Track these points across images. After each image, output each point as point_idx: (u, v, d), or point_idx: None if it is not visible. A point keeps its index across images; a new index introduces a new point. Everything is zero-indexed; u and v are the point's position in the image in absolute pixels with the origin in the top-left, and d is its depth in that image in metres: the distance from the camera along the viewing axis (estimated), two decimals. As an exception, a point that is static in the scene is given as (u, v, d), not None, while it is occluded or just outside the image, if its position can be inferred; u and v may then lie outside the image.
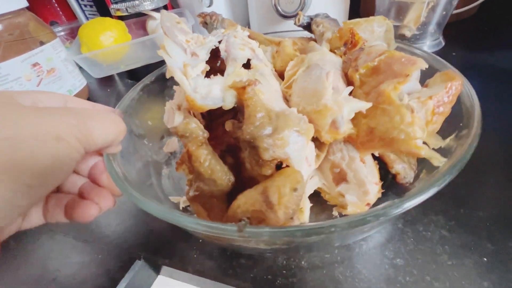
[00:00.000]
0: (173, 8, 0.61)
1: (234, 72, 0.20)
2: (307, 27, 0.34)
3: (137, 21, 0.58)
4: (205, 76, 0.21)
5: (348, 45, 0.28)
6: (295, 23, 0.35)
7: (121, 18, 0.54)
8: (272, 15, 0.51)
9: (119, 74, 0.58)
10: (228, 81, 0.20)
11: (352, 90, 0.22)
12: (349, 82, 0.24)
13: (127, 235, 0.26)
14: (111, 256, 0.25)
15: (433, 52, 0.48)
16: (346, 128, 0.20)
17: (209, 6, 0.54)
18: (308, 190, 0.22)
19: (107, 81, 0.55)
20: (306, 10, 0.48)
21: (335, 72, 0.23)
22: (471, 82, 0.22)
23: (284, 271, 0.21)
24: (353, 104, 0.19)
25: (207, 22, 0.36)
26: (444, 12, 0.44)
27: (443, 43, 0.49)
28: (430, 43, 0.48)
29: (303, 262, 0.21)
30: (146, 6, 0.50)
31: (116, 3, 0.54)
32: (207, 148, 0.19)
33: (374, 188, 0.22)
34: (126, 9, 0.49)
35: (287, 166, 0.18)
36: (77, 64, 0.48)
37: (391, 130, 0.19)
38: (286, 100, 0.24)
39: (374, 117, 0.20)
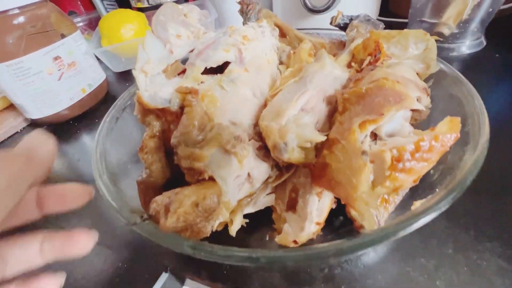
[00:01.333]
0: (194, 0, 0.59)
1: (191, 77, 0.21)
2: (344, 28, 0.31)
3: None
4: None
5: (371, 59, 0.25)
6: (331, 23, 0.32)
7: (141, 9, 0.53)
8: (298, 9, 0.49)
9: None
10: (177, 85, 0.20)
11: (334, 115, 0.21)
12: (336, 105, 0.21)
13: (153, 243, 0.25)
14: (136, 266, 0.24)
15: (473, 53, 0.45)
16: (291, 156, 0.18)
17: (232, -3, 0.52)
18: (259, 205, 0.22)
19: (125, 75, 0.54)
20: (336, 5, 0.45)
21: (317, 92, 0.21)
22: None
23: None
24: (304, 134, 0.18)
25: (243, 11, 0.35)
26: (491, 9, 0.41)
27: (485, 43, 0.45)
28: (470, 43, 0.44)
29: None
30: (168, -2, 0.48)
31: (136, -7, 0.53)
32: (155, 142, 0.20)
33: (312, 227, 0.20)
34: (148, 1, 0.47)
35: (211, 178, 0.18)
36: (97, 57, 0.47)
37: (339, 172, 0.17)
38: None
39: (333, 153, 0.18)
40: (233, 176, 0.19)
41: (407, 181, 0.17)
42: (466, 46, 0.44)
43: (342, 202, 0.19)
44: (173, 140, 0.19)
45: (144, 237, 0.16)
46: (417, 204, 0.17)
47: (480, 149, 0.17)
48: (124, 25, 0.46)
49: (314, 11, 0.46)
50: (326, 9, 0.45)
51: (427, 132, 0.18)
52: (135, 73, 0.20)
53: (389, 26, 0.58)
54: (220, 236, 0.21)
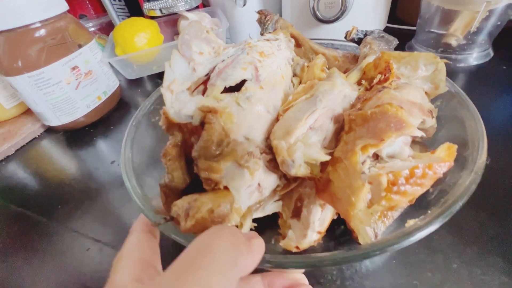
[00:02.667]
0: (204, 7, 0.60)
1: (211, 96, 0.22)
2: (359, 42, 0.32)
3: (169, 19, 0.58)
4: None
5: (381, 77, 0.26)
6: (345, 37, 0.33)
7: (153, 17, 0.54)
8: (308, 19, 0.49)
9: (149, 74, 0.58)
10: (199, 103, 0.21)
11: (340, 134, 0.22)
12: (343, 123, 0.23)
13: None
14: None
15: (480, 64, 0.45)
16: (297, 171, 0.20)
17: (243, 6, 0.53)
18: (267, 211, 0.24)
19: (137, 81, 0.55)
20: (346, 15, 0.46)
21: (326, 111, 0.22)
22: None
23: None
24: (310, 153, 0.20)
25: (262, 21, 0.36)
26: (499, 23, 0.41)
27: (492, 54, 0.46)
28: (477, 55, 0.45)
29: None
30: (180, 7, 0.49)
31: (149, 1, 0.54)
32: (177, 150, 0.21)
33: (313, 235, 0.21)
34: (160, 10, 0.48)
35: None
36: (110, 65, 0.48)
37: (340, 190, 0.18)
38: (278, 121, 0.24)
39: (336, 171, 0.19)
40: (245, 186, 0.20)
41: (402, 201, 0.18)
42: (473, 58, 0.45)
43: (341, 217, 0.20)
44: (194, 154, 0.20)
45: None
46: (410, 223, 0.19)
47: (473, 177, 0.18)
48: (137, 34, 0.47)
49: (324, 21, 0.47)
50: (336, 19, 0.46)
51: (426, 155, 0.20)
52: (162, 90, 0.22)
53: (396, 33, 0.59)
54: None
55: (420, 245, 0.23)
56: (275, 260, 0.16)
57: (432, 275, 0.22)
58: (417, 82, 0.27)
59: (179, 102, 0.22)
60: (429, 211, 0.18)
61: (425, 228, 0.16)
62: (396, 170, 0.17)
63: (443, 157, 0.18)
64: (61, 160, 0.41)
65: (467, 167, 0.20)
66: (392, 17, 0.63)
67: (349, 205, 0.18)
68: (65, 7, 0.38)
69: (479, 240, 0.23)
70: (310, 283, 0.22)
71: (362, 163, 0.19)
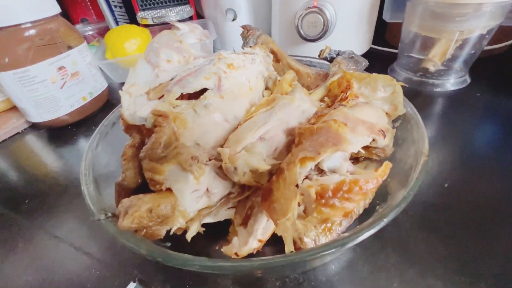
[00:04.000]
0: (198, 18, 0.62)
1: (167, 101, 0.23)
2: (331, 61, 0.34)
3: (162, 28, 0.60)
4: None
5: (343, 95, 0.27)
6: (319, 55, 0.34)
7: (146, 25, 0.56)
8: (295, 37, 0.51)
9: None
10: (153, 107, 0.22)
11: (292, 146, 0.23)
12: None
13: (128, 252, 0.26)
14: (108, 273, 0.25)
15: (456, 90, 0.47)
16: (241, 178, 0.20)
17: (233, 20, 0.55)
18: (219, 217, 0.24)
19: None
20: (329, 35, 0.48)
21: (280, 123, 0.23)
22: (493, 130, 0.21)
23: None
24: (251, 162, 0.20)
25: (244, 35, 0.37)
26: (473, 51, 0.43)
27: (469, 81, 0.47)
28: (454, 81, 0.46)
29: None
30: (172, 18, 0.51)
31: (143, 10, 0.56)
32: (133, 151, 0.22)
33: (254, 243, 0.22)
34: (152, 19, 0.50)
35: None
36: (100, 67, 0.50)
37: (277, 200, 0.19)
38: None
39: (277, 181, 0.20)
40: (190, 190, 0.21)
41: (334, 214, 0.18)
42: (451, 83, 0.46)
43: (274, 225, 0.20)
44: (140, 154, 0.21)
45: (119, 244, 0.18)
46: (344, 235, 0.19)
47: (400, 198, 0.18)
48: (128, 40, 0.49)
49: (307, 39, 0.48)
50: (319, 38, 0.48)
51: (366, 172, 0.20)
52: (121, 93, 0.23)
53: (381, 55, 0.60)
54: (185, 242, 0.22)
55: (365, 262, 0.24)
56: (200, 263, 0.16)
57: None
58: (377, 103, 0.28)
59: (135, 105, 0.23)
60: (358, 226, 0.18)
61: (354, 238, 0.16)
62: (325, 183, 0.18)
63: (375, 174, 0.18)
64: (40, 156, 0.42)
65: (406, 186, 0.20)
66: (382, 39, 0.66)
67: (281, 214, 0.18)
68: (56, 10, 0.40)
69: (424, 262, 0.23)
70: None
71: (307, 176, 0.20)
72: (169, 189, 0.20)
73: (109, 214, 0.19)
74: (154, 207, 0.18)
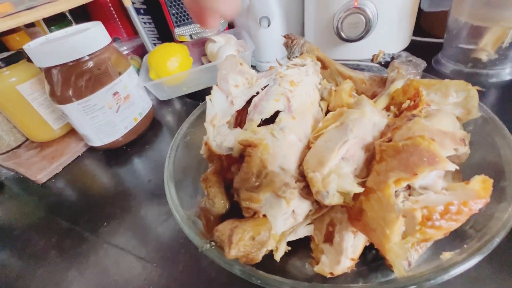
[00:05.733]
0: (229, 28, 0.63)
1: (249, 129, 0.24)
2: (386, 66, 0.33)
3: (196, 42, 0.61)
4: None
5: (410, 103, 0.27)
6: (372, 60, 0.34)
7: (182, 42, 0.57)
8: (332, 38, 0.50)
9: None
10: (239, 137, 0.23)
11: (371, 163, 0.23)
12: (374, 152, 0.23)
13: (189, 279, 0.28)
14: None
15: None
16: (331, 201, 0.21)
17: (268, 27, 0.55)
18: (299, 234, 0.25)
19: (168, 100, 0.59)
20: (370, 33, 0.47)
21: (357, 141, 0.23)
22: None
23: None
24: (344, 185, 0.21)
25: (288, 45, 0.37)
26: (533, 37, 0.40)
27: (527, 68, 0.44)
28: (510, 70, 0.44)
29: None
30: (209, 32, 0.52)
31: (178, 26, 0.57)
32: (217, 177, 0.23)
33: (347, 262, 0.22)
34: (190, 36, 0.52)
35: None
36: (145, 88, 0.52)
37: (374, 221, 0.19)
38: (309, 148, 0.25)
39: (368, 201, 0.20)
40: (282, 214, 0.22)
41: (437, 235, 0.18)
42: (507, 73, 0.44)
43: (375, 247, 0.21)
44: (235, 185, 0.23)
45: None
46: (446, 255, 0.19)
47: (506, 214, 0.18)
48: (169, 59, 0.50)
49: (348, 40, 0.48)
50: (361, 38, 0.47)
51: (460, 186, 0.20)
52: (206, 125, 0.25)
53: (422, 46, 0.58)
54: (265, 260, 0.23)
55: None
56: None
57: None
58: (447, 108, 0.27)
59: (220, 136, 0.24)
60: (465, 245, 0.18)
61: (462, 264, 0.16)
62: (431, 205, 0.18)
63: (479, 192, 0.18)
64: (103, 178, 0.45)
65: (506, 199, 0.20)
66: (417, 27, 0.63)
67: (384, 237, 0.18)
68: (108, 39, 0.42)
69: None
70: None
71: (396, 194, 0.20)
72: (264, 215, 0.21)
73: (213, 244, 0.20)
74: (256, 235, 0.19)
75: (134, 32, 0.83)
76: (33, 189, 0.44)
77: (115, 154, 0.48)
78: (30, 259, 0.33)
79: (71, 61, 0.38)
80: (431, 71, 0.50)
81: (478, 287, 0.22)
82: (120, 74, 0.45)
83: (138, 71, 0.58)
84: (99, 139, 0.45)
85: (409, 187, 0.21)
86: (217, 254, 0.20)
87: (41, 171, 0.45)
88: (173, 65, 0.51)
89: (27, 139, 0.53)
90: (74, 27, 0.44)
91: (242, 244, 0.19)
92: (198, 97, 0.59)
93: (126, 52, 0.74)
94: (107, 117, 0.43)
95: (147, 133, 0.52)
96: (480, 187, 0.19)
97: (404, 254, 0.17)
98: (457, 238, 0.20)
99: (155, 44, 0.72)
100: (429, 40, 0.57)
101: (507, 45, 0.41)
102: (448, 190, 0.20)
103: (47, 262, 0.32)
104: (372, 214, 0.20)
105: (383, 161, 0.22)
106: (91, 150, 0.51)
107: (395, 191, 0.20)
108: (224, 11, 0.20)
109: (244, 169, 0.21)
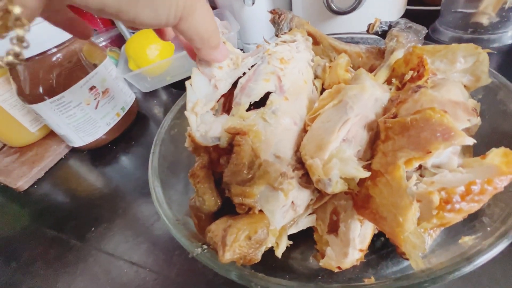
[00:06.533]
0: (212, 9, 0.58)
1: (237, 115, 0.21)
2: (383, 35, 0.30)
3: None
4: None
5: (413, 74, 0.24)
6: (367, 31, 0.31)
7: (162, 26, 0.53)
8: (321, 12, 0.47)
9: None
10: (226, 124, 0.21)
11: (376, 142, 0.20)
12: (378, 130, 0.21)
13: (186, 282, 0.26)
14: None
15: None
16: (335, 189, 0.18)
17: (252, 5, 0.51)
18: (300, 226, 0.23)
19: (152, 92, 0.55)
20: (362, 4, 0.43)
21: (359, 120, 0.21)
22: None
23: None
24: (347, 170, 0.18)
25: (275, 21, 0.34)
26: (538, -5, 0.37)
27: (530, 30, 0.42)
28: (513, 32, 0.41)
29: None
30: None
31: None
32: (205, 172, 0.21)
33: (355, 254, 0.20)
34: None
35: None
36: (126, 80, 0.48)
37: (384, 208, 0.17)
38: (305, 132, 0.23)
39: (376, 186, 0.18)
40: (280, 208, 0.20)
41: (456, 218, 0.16)
42: (509, 36, 0.41)
43: (387, 236, 0.18)
44: (225, 179, 0.20)
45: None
46: (465, 240, 0.17)
47: None
48: (149, 46, 0.47)
49: (339, 12, 0.44)
50: (352, 10, 0.43)
51: (476, 161, 0.17)
52: (187, 114, 0.21)
53: (418, 16, 0.55)
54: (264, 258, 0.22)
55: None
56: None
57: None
58: (454, 76, 0.25)
59: (205, 124, 0.21)
60: (488, 228, 0.16)
61: (488, 252, 0.14)
62: (449, 186, 0.15)
63: (500, 168, 0.16)
64: (89, 179, 0.42)
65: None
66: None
67: (397, 226, 0.16)
68: (77, 28, 0.38)
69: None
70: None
71: (407, 176, 0.18)
72: (260, 211, 0.18)
73: (205, 247, 0.18)
74: (252, 234, 0.17)
75: (111, 22, 0.78)
76: (14, 197, 0.41)
77: (100, 154, 0.45)
78: (15, 273, 0.31)
79: (36, 55, 0.34)
80: (428, 41, 0.47)
81: (499, 271, 0.21)
82: (95, 66, 0.41)
83: (117, 63, 0.54)
84: (80, 139, 0.42)
85: (420, 166, 0.19)
86: (210, 258, 0.18)
87: (21, 177, 0.42)
88: (153, 53, 0.47)
89: (5, 145, 0.49)
90: (39, 17, 0.40)
91: (238, 245, 0.17)
92: (185, 86, 0.55)
93: (103, 43, 0.69)
94: (85, 114, 0.40)
95: (133, 128, 0.49)
96: (500, 161, 0.17)
97: (422, 244, 0.15)
98: (473, 221, 0.18)
99: (133, 33, 0.67)
100: (425, 8, 0.54)
101: (510, 6, 0.38)
102: (465, 167, 0.18)
103: (33, 275, 0.30)
104: (381, 201, 0.17)
105: (390, 140, 0.19)
106: (74, 151, 0.47)
107: (406, 173, 0.18)
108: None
109: (233, 160, 0.19)
